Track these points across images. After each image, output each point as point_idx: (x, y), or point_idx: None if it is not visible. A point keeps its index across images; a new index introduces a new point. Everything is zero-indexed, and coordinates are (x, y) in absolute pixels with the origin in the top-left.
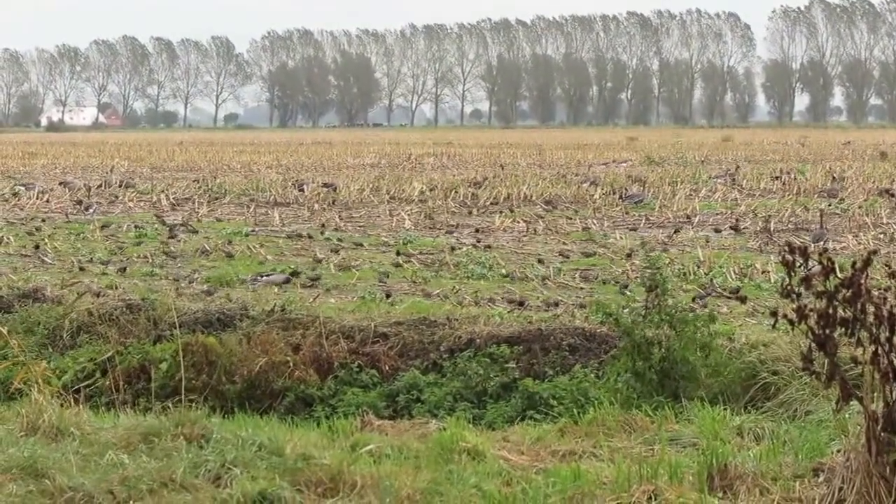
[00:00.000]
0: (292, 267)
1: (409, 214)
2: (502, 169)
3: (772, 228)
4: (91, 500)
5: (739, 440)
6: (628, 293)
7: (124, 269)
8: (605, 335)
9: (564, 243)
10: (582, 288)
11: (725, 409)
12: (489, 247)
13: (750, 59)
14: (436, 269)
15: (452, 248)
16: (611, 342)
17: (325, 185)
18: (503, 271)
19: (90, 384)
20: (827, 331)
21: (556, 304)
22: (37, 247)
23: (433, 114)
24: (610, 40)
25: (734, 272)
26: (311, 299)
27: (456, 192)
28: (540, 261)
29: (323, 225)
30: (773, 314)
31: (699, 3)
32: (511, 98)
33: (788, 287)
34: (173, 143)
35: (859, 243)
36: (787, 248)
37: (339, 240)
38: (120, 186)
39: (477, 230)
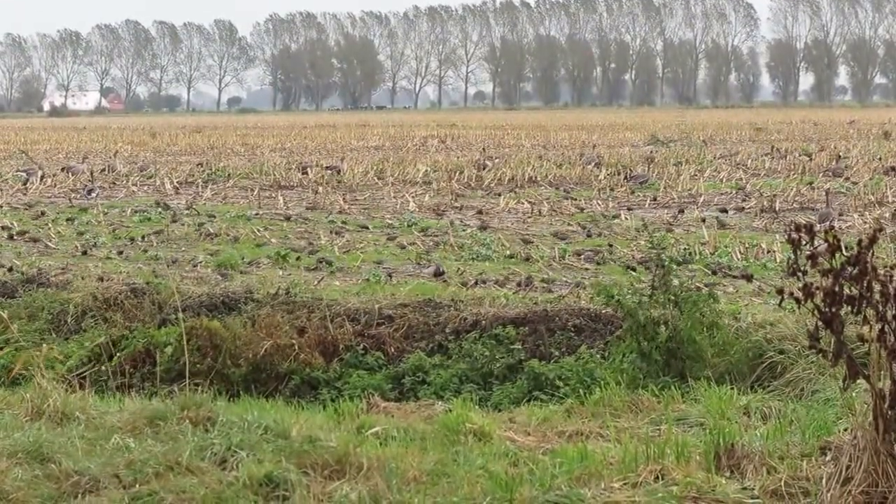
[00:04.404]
0: (296, 250)
1: (413, 196)
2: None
3: (777, 208)
4: (97, 484)
5: (746, 419)
6: (634, 273)
7: (129, 253)
8: (610, 316)
9: (569, 224)
10: (587, 269)
11: (732, 388)
12: (494, 228)
13: (754, 39)
14: (440, 251)
15: (456, 230)
16: (616, 322)
17: (328, 167)
18: (508, 252)
19: (95, 369)
20: (833, 309)
21: (562, 285)
22: (39, 232)
23: (437, 96)
24: (613, 21)
25: (739, 252)
26: (316, 282)
27: (460, 173)
28: (544, 241)
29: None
30: (780, 293)
31: None
32: (514, 79)
33: (794, 265)
34: (177, 126)
35: (865, 222)
36: (792, 226)
37: (344, 223)
38: (123, 170)
39: (481, 212)
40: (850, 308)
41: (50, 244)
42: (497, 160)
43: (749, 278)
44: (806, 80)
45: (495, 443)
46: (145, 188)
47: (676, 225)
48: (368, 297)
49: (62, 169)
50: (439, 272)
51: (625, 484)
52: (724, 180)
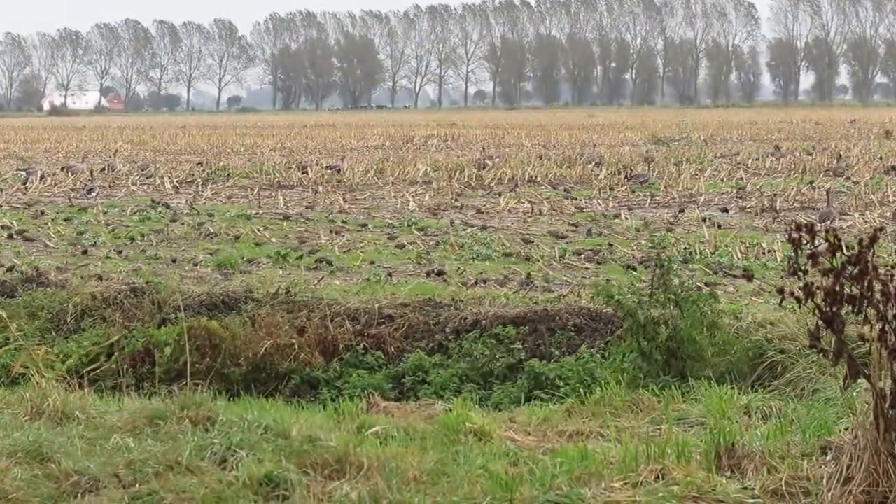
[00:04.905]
0: (296, 250)
1: (413, 196)
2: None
3: (778, 207)
4: (96, 483)
5: (747, 419)
6: (634, 273)
7: (128, 252)
8: (610, 315)
9: (570, 224)
10: (587, 268)
11: (733, 388)
12: (494, 228)
13: (755, 38)
14: (440, 250)
15: (457, 230)
16: (617, 322)
17: (328, 167)
18: (508, 252)
19: (95, 368)
20: (834, 308)
21: (562, 284)
22: (39, 231)
23: (437, 95)
24: (614, 20)
25: (740, 251)
26: (316, 282)
27: (461, 173)
28: (544, 241)
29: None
30: (780, 292)
31: None
32: (515, 79)
33: (795, 265)
34: (176, 126)
35: (865, 221)
36: (793, 225)
37: (344, 222)
38: (123, 170)
39: (482, 211)
40: (850, 307)
41: (49, 243)
42: (497, 160)
43: (750, 277)
44: (807, 80)
45: (495, 442)
46: (145, 187)
47: (677, 224)
48: (368, 297)
49: (62, 168)
50: (437, 272)
51: (625, 484)
52: (725, 180)
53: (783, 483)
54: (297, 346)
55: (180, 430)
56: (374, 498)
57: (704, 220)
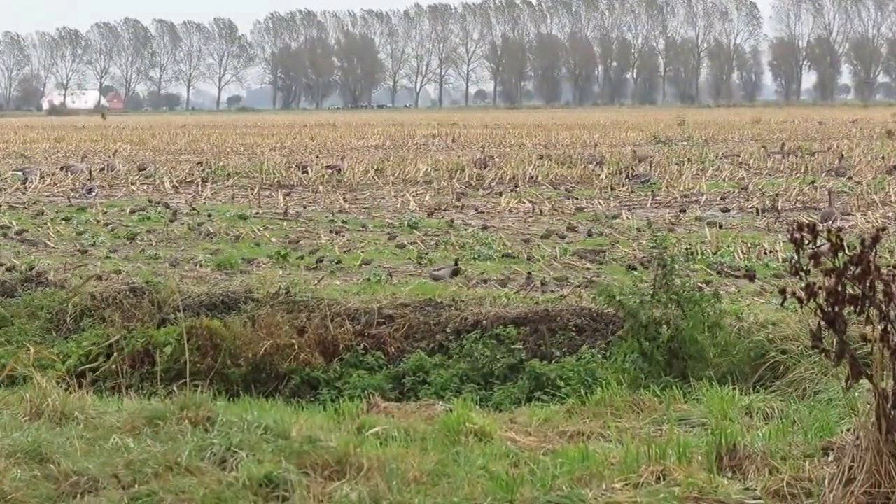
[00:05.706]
0: (296, 249)
1: (414, 196)
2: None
3: (779, 207)
4: (96, 484)
5: (748, 420)
6: (635, 273)
7: (128, 252)
8: (612, 315)
9: (570, 223)
10: (588, 268)
11: (734, 388)
12: (495, 227)
13: (756, 38)
14: (441, 250)
15: (457, 229)
16: (618, 322)
17: (328, 167)
18: (509, 252)
19: (94, 368)
20: (836, 308)
21: (563, 284)
22: (38, 231)
23: (437, 95)
24: (615, 19)
25: (741, 251)
26: (316, 282)
27: (461, 172)
28: (544, 238)
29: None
30: (782, 292)
31: None
32: (516, 78)
33: (797, 265)
34: (176, 125)
35: (868, 221)
36: (795, 226)
37: (344, 222)
38: (122, 169)
39: (482, 211)
40: (852, 308)
41: (49, 243)
42: (498, 159)
43: (752, 278)
44: (808, 79)
45: (496, 443)
46: (145, 187)
47: (678, 224)
48: (369, 297)
49: (61, 168)
50: (455, 272)
51: (626, 484)
52: (727, 180)
53: (785, 484)
54: (297, 347)
55: (180, 431)
56: (375, 499)
57: (706, 220)
